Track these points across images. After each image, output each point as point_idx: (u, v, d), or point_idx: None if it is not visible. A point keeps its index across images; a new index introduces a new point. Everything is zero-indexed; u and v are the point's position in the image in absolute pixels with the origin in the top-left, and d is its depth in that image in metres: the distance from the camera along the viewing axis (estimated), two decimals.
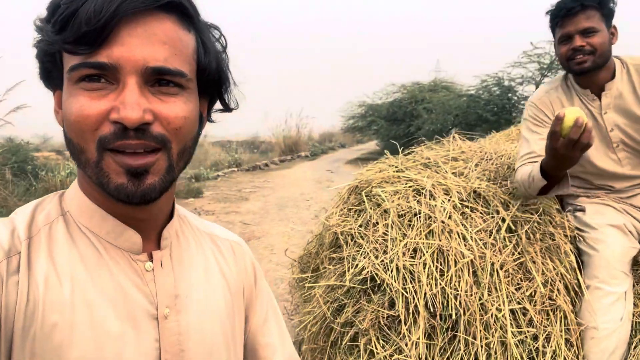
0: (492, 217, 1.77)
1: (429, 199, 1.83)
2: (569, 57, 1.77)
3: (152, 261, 0.69)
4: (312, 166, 14.19)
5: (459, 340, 1.55)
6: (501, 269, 1.62)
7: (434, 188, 1.87)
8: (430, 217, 1.76)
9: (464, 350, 1.54)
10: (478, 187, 1.87)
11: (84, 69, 0.58)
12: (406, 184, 1.94)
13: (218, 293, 0.76)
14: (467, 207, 1.82)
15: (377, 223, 1.81)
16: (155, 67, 0.59)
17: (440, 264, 1.64)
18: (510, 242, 1.69)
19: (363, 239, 1.81)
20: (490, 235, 1.70)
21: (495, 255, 1.65)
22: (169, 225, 0.73)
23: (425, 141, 2.31)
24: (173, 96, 0.62)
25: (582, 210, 1.87)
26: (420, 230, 1.72)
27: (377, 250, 1.74)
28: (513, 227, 1.74)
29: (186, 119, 0.63)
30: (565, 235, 1.80)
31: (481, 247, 1.65)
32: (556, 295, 1.63)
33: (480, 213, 1.79)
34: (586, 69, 1.75)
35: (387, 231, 1.76)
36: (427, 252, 1.64)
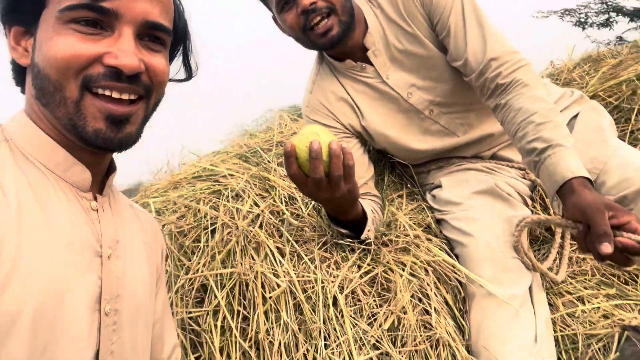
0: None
1: (232, 202, 1.18)
2: (304, 27, 1.18)
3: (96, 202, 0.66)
4: None
5: None
6: (341, 293, 0.99)
7: (237, 181, 1.22)
8: (230, 229, 1.11)
9: None
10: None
11: (83, 10, 0.58)
12: (202, 185, 1.27)
13: (141, 257, 0.73)
14: (291, 210, 1.19)
15: None
16: (154, 21, 0.62)
17: (244, 307, 0.98)
18: (352, 250, 1.08)
19: None
20: (320, 246, 1.07)
21: (331, 275, 1.02)
22: (113, 176, 0.71)
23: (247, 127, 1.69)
24: (157, 52, 0.65)
25: (439, 186, 1.33)
26: (214, 254, 1.06)
27: None
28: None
29: (166, 74, 0.67)
30: (427, 228, 1.24)
31: (306, 265, 1.02)
32: (436, 321, 1.04)
33: (308, 216, 1.17)
34: (337, 38, 1.19)
35: None
36: (219, 291, 0.98)
